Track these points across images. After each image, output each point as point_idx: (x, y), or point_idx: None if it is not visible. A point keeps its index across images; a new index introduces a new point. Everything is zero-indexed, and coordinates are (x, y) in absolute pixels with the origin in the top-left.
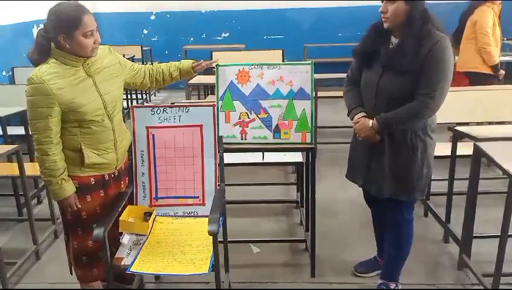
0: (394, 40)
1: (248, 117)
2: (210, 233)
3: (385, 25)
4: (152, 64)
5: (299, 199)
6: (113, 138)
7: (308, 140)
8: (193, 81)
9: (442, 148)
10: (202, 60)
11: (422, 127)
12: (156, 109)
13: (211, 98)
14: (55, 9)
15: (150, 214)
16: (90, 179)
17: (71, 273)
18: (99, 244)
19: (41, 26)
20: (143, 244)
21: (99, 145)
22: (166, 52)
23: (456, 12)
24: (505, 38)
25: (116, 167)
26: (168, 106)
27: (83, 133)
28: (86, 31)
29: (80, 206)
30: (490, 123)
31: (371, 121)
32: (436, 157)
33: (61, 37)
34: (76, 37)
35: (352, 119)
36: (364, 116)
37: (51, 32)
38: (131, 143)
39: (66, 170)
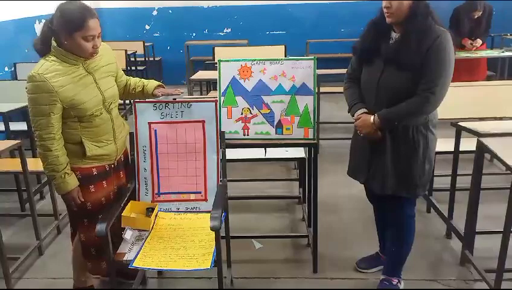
0: (394, 35)
1: (250, 113)
2: (212, 229)
3: (388, 20)
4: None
5: (301, 195)
6: (112, 129)
7: (311, 136)
8: (195, 76)
9: (445, 144)
10: (167, 89)
11: (424, 122)
12: (158, 104)
13: (213, 94)
14: (63, 7)
15: (152, 209)
16: (92, 169)
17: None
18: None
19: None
20: (145, 240)
21: (99, 138)
22: (169, 47)
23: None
24: (509, 34)
25: (116, 158)
26: (170, 102)
27: (82, 127)
28: (87, 35)
29: (83, 199)
30: (502, 119)
31: (372, 117)
32: (439, 153)
33: (62, 33)
34: (75, 38)
35: (353, 116)
36: (365, 113)
37: (55, 26)
38: (134, 138)
39: (68, 164)
